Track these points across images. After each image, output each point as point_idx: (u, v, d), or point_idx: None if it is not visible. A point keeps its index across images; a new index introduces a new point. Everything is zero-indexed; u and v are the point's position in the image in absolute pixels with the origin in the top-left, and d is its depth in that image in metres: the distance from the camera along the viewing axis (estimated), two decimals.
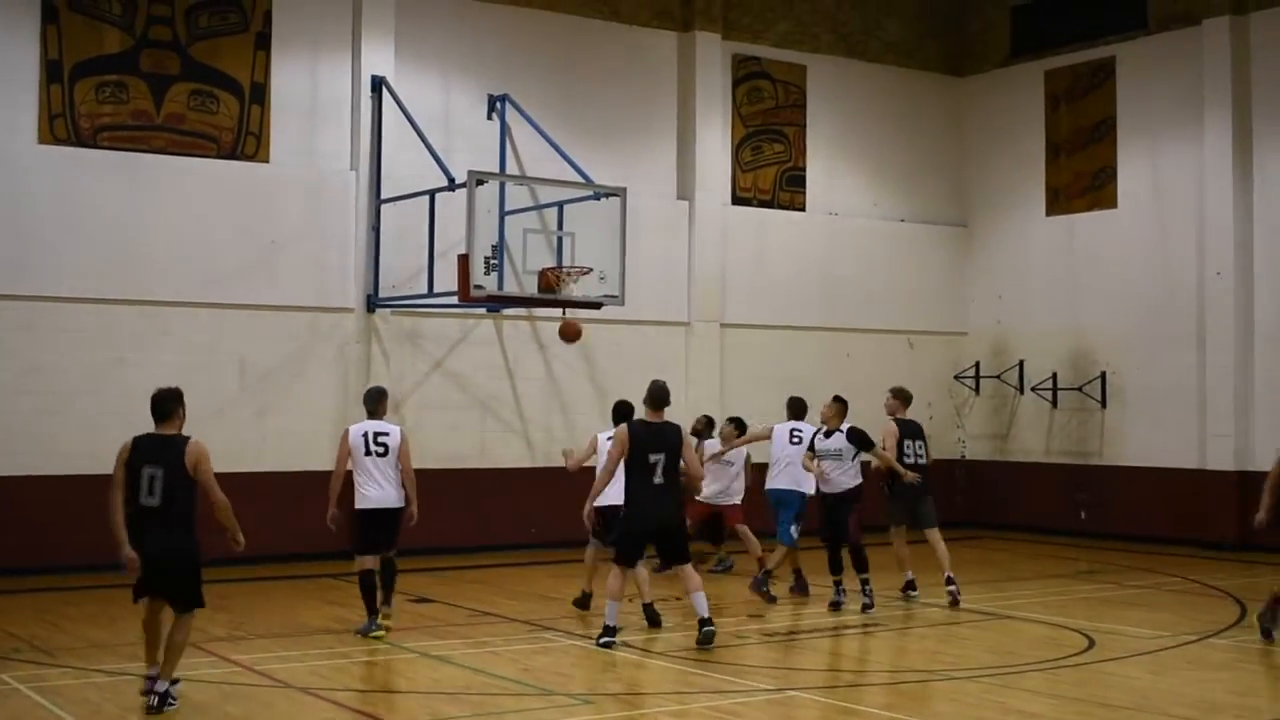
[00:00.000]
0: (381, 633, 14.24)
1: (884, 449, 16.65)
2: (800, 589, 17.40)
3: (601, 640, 13.51)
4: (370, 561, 14.61)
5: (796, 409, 17.67)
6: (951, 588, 16.59)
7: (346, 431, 15.00)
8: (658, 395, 13.95)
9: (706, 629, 13.41)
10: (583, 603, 15.87)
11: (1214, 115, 23.55)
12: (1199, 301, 23.68)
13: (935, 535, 16.90)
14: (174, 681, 11.06)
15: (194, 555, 11.31)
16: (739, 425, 18.98)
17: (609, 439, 15.09)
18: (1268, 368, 22.95)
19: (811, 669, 12.94)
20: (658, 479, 13.60)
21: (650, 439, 13.69)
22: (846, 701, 11.55)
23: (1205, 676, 12.79)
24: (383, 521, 14.63)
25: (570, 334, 19.56)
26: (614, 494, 15.17)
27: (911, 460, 16.82)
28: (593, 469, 15.49)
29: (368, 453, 14.59)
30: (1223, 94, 23.41)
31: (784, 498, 17.24)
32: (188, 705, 11.08)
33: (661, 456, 13.61)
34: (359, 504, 14.56)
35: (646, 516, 13.64)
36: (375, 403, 15.11)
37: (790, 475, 17.20)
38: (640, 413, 14.45)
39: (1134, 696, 11.71)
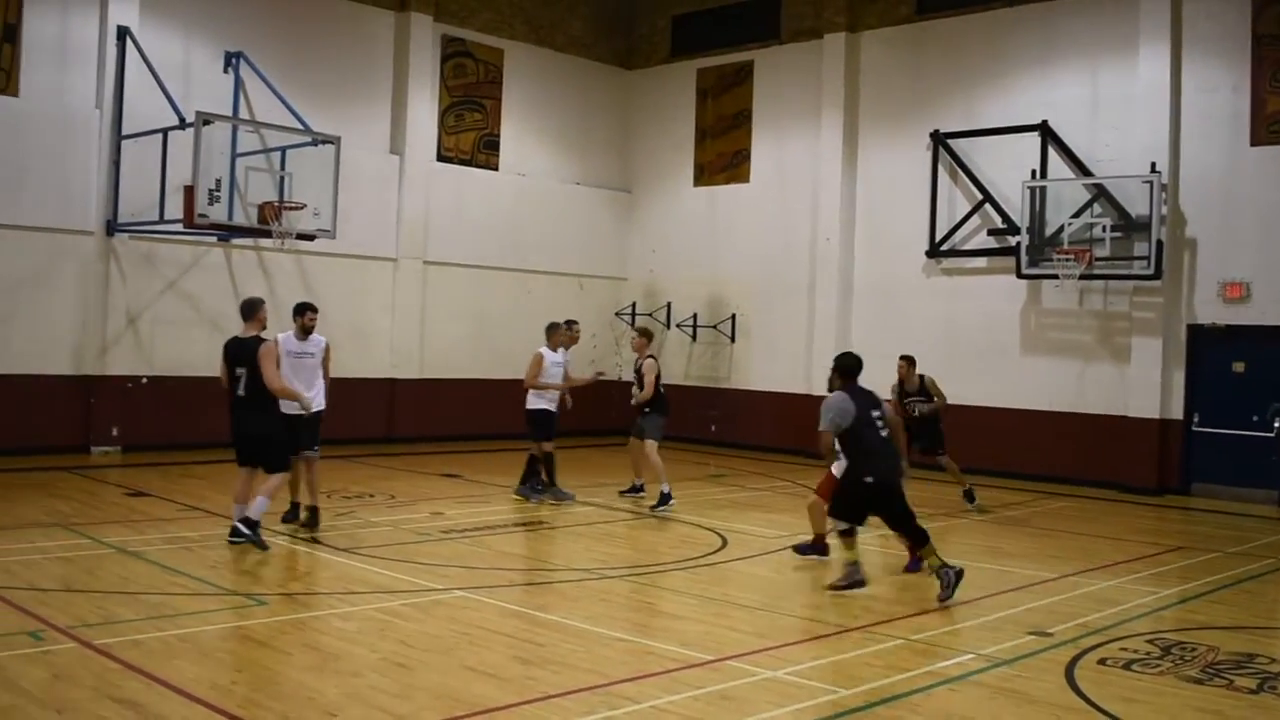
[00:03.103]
0: None
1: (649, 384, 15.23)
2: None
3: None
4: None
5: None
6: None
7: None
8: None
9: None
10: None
11: (829, 112, 22.38)
12: (811, 260, 22.57)
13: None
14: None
15: None
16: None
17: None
18: (862, 315, 21.93)
19: (480, 567, 10.79)
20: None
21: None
22: (507, 602, 9.45)
23: (823, 575, 11.14)
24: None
25: None
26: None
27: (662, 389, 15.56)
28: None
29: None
30: (837, 95, 22.26)
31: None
32: None
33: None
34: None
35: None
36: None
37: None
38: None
39: (765, 596, 9.97)
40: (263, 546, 11.00)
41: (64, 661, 7.31)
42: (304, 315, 12.33)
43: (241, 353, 11.13)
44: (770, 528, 13.65)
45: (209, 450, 17.46)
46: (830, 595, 10.10)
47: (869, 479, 10.00)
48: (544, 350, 14.97)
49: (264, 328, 11.33)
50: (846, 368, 10.42)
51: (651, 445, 15.20)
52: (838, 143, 22.20)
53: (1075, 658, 8.22)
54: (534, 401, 14.90)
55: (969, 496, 15.93)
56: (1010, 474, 19.19)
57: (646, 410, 15.29)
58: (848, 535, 10.13)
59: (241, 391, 11.10)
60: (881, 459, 10.09)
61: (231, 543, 11.06)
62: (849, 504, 10.12)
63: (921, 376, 15.86)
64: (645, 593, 10.10)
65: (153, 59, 17.96)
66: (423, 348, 21.99)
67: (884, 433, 10.19)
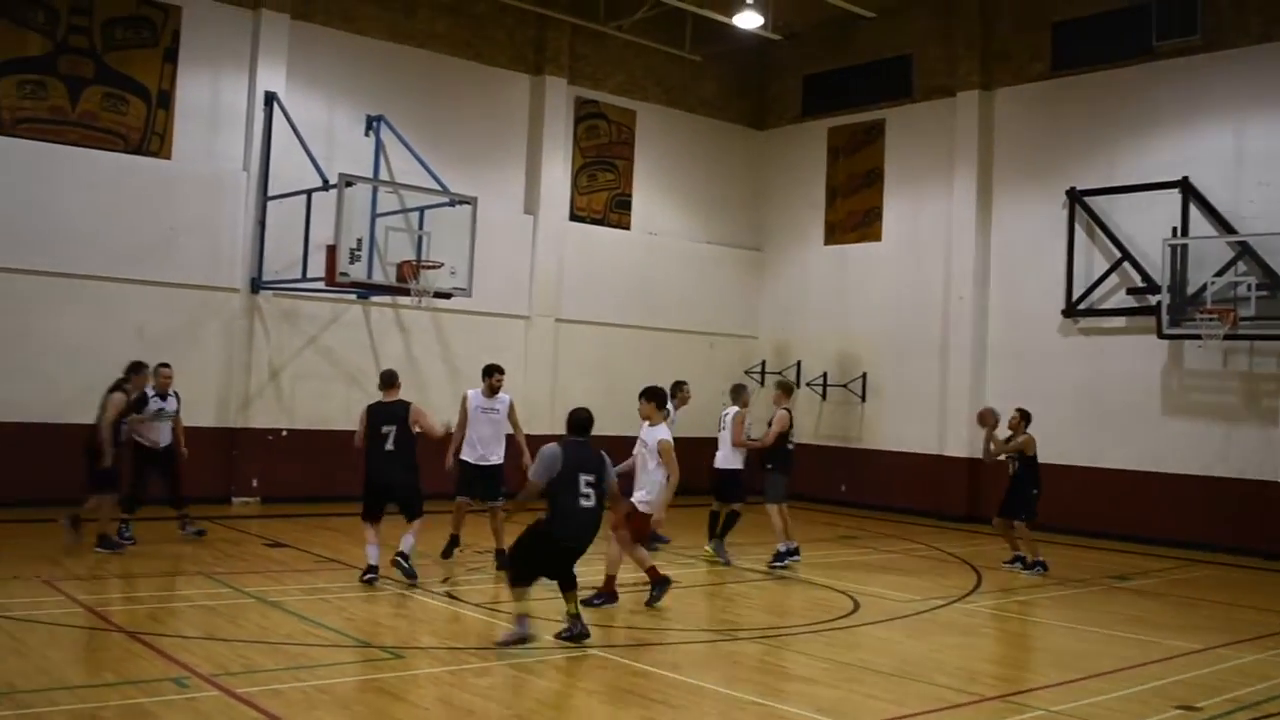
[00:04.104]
0: None
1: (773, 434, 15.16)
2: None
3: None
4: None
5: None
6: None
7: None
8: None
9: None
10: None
11: (962, 170, 22.21)
12: (944, 320, 22.29)
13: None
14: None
15: None
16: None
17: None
18: (996, 375, 21.56)
19: (613, 626, 10.78)
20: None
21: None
22: (639, 662, 9.42)
23: (957, 642, 10.95)
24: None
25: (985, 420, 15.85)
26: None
27: (792, 445, 15.44)
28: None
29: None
30: (970, 153, 22.07)
31: None
32: (7, 646, 8.71)
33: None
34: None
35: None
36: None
37: None
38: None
39: (898, 662, 9.77)
40: (412, 576, 12.21)
41: (208, 709, 7.47)
42: (492, 377, 13.74)
43: (390, 414, 12.41)
44: (904, 591, 13.41)
45: (345, 503, 17.66)
46: (960, 663, 9.90)
47: (553, 534, 9.64)
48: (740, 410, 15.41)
49: (399, 393, 12.74)
50: (572, 423, 10.13)
51: (773, 508, 15.04)
52: (971, 201, 21.99)
53: None
54: (734, 460, 15.12)
55: (1019, 560, 15.39)
56: (1152, 540, 18.64)
57: (769, 467, 15.20)
58: (519, 585, 9.66)
59: (390, 446, 12.22)
60: (571, 523, 9.69)
61: (396, 563, 12.27)
62: (527, 556, 9.67)
63: (1025, 435, 15.35)
64: (777, 655, 9.98)
65: (298, 123, 18.54)
66: (554, 405, 22.08)
67: (587, 502, 9.70)
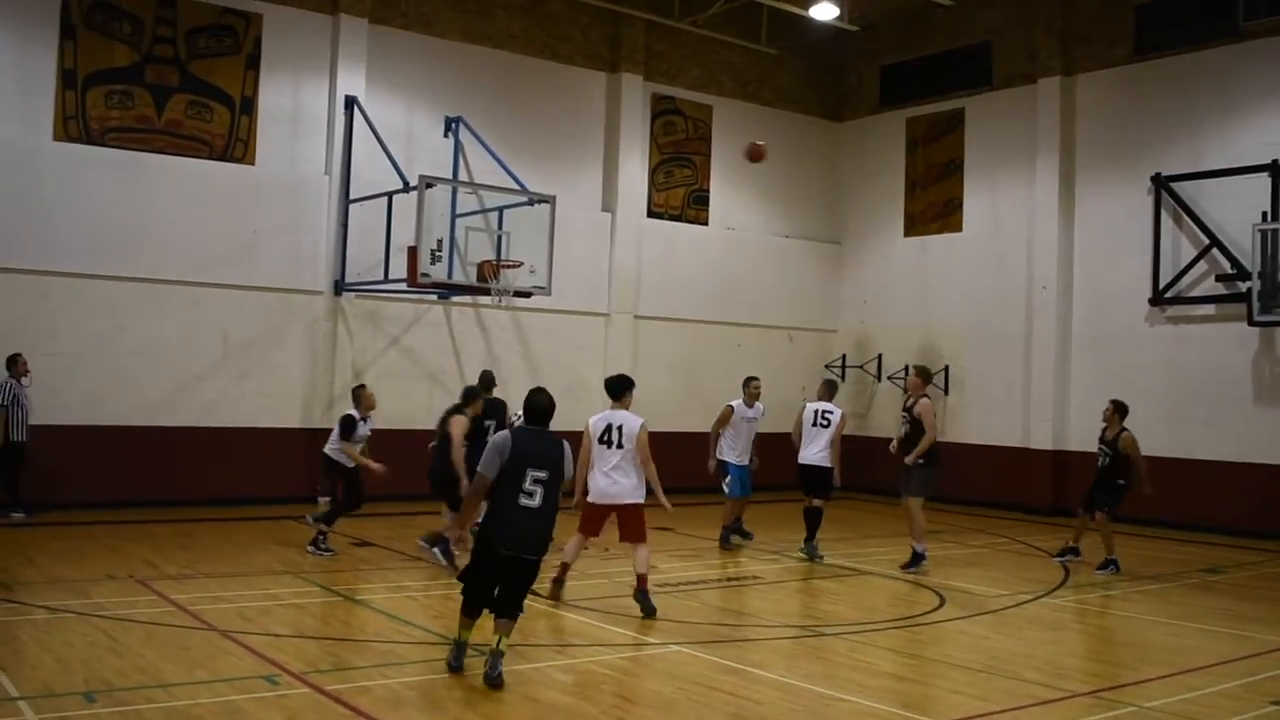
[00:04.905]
0: None
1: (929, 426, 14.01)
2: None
3: None
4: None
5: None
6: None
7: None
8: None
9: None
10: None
11: (1044, 158, 21.89)
12: (1027, 310, 21.99)
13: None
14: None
15: None
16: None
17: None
18: (1082, 366, 21.23)
19: (695, 622, 10.77)
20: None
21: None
22: (723, 658, 9.40)
23: (1045, 637, 10.81)
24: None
25: (753, 155, 16.23)
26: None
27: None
28: None
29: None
30: (1052, 140, 21.74)
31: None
32: (104, 645, 8.90)
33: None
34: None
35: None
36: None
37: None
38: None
39: (985, 658, 9.66)
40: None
41: (298, 706, 7.58)
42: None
43: (494, 410, 14.28)
44: (990, 586, 13.26)
45: (429, 503, 17.88)
46: (1048, 658, 9.77)
47: (493, 544, 8.38)
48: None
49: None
50: (530, 408, 8.77)
51: (916, 502, 14.21)
52: (1053, 189, 21.67)
53: None
54: (829, 458, 14.86)
55: (1106, 565, 14.42)
56: (1243, 532, 18.26)
57: (921, 460, 14.10)
58: (465, 613, 8.58)
59: None
60: (510, 526, 8.37)
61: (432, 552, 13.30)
62: (471, 573, 8.56)
63: (1122, 431, 14.62)
64: (863, 651, 9.91)
65: (378, 126, 18.73)
66: (634, 401, 22.07)
67: (529, 501, 8.38)
